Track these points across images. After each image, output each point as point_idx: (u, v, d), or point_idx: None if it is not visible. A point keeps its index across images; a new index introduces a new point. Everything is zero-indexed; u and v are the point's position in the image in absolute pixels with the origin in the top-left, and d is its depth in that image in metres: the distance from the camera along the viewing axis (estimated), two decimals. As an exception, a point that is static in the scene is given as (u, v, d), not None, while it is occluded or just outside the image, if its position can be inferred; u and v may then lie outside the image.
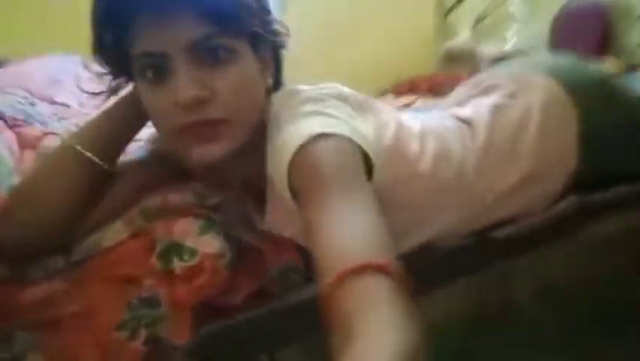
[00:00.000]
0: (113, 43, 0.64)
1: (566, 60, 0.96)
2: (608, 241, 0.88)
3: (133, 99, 0.69)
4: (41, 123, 0.86)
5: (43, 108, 0.96)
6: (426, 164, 0.75)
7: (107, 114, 0.71)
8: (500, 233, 0.83)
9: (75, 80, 1.25)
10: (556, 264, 0.86)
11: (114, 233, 0.68)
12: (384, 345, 0.39)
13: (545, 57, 0.99)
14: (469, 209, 0.80)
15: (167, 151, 0.73)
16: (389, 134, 0.73)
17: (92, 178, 0.68)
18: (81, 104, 1.12)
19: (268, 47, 0.69)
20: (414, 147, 0.76)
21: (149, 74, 0.61)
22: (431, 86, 2.18)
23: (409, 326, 0.41)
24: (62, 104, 1.07)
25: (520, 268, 0.83)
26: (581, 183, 0.86)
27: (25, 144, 0.80)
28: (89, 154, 0.66)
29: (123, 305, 0.65)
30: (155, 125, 0.67)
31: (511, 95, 0.86)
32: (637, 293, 0.89)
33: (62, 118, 0.95)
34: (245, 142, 0.65)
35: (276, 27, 0.70)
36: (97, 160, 0.67)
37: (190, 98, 0.59)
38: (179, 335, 0.66)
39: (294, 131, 0.60)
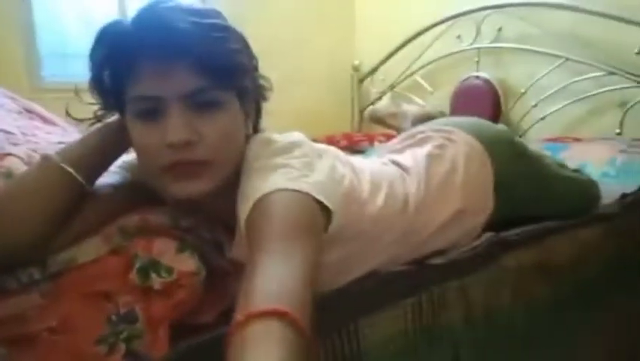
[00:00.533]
0: (110, 83, 0.70)
1: (480, 121, 1.17)
2: (519, 270, 1.04)
3: (117, 128, 0.74)
4: (-3, 146, 0.85)
5: (-10, 133, 0.94)
6: (376, 204, 0.87)
7: (91, 138, 0.74)
8: (435, 261, 0.96)
9: (3, 110, 1.22)
10: (478, 289, 0.99)
11: (91, 249, 0.69)
12: None
13: (463, 118, 1.20)
14: (410, 241, 0.93)
15: (142, 180, 0.78)
16: (346, 179, 0.83)
17: (71, 196, 0.69)
18: (23, 134, 1.09)
19: (252, 99, 0.77)
20: (366, 189, 0.87)
21: (143, 114, 0.67)
22: (348, 143, 2.38)
23: None
24: (5, 131, 1.04)
25: (451, 292, 0.95)
26: (498, 222, 1.03)
27: (-15, 163, 0.78)
28: (73, 172, 0.69)
29: (102, 320, 0.65)
30: (141, 159, 0.71)
31: (441, 147, 1.04)
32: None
33: (15, 144, 0.93)
34: (221, 184, 0.71)
35: (262, 82, 0.79)
36: (80, 179, 0.69)
37: (180, 140, 0.65)
38: (157, 349, 0.67)
39: (259, 185, 0.66)
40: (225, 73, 0.68)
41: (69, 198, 0.69)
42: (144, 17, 0.66)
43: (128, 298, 0.68)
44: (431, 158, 1.01)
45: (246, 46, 0.74)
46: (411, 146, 1.09)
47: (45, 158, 0.70)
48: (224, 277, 0.79)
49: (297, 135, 0.78)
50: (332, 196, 0.69)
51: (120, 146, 0.75)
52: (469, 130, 1.08)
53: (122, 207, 0.74)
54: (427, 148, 1.04)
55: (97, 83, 0.70)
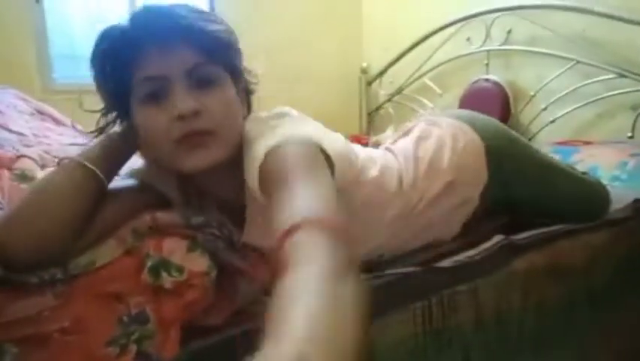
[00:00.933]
0: (113, 76, 0.72)
1: (465, 111, 1.23)
2: (529, 273, 1.04)
3: (123, 133, 0.77)
4: (12, 148, 0.86)
5: (5, 135, 0.95)
6: (373, 172, 0.93)
7: (104, 142, 0.76)
8: (445, 263, 0.95)
9: (15, 111, 1.23)
10: (488, 292, 0.99)
11: (108, 251, 0.69)
12: (314, 270, 0.44)
13: (452, 111, 1.34)
14: (409, 216, 0.97)
15: (150, 184, 0.81)
16: (341, 141, 0.85)
17: (93, 195, 0.71)
18: (35, 135, 1.10)
19: (243, 86, 0.81)
20: (362, 157, 0.93)
21: (149, 97, 0.71)
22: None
23: (342, 265, 0.46)
24: (18, 133, 1.05)
25: (462, 295, 0.95)
26: (495, 202, 1.06)
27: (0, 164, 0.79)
28: (98, 172, 0.71)
29: (114, 321, 0.65)
30: (153, 142, 0.73)
31: (427, 131, 1.10)
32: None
33: (28, 145, 0.94)
34: (227, 159, 0.73)
35: (248, 77, 0.83)
36: (103, 178, 0.72)
37: (188, 109, 0.69)
38: (168, 350, 0.67)
39: (263, 142, 0.71)
40: (220, 49, 0.74)
41: (92, 197, 0.71)
42: (141, 11, 0.71)
43: (140, 299, 0.68)
44: (419, 140, 1.07)
45: (234, 37, 0.78)
46: (401, 137, 1.14)
47: (67, 159, 0.72)
48: (234, 277, 0.79)
49: (286, 108, 0.83)
50: (332, 150, 0.74)
51: (127, 151, 0.78)
52: (454, 116, 1.15)
53: (137, 209, 0.76)
54: (414, 134, 1.10)
55: (102, 80, 0.73)
